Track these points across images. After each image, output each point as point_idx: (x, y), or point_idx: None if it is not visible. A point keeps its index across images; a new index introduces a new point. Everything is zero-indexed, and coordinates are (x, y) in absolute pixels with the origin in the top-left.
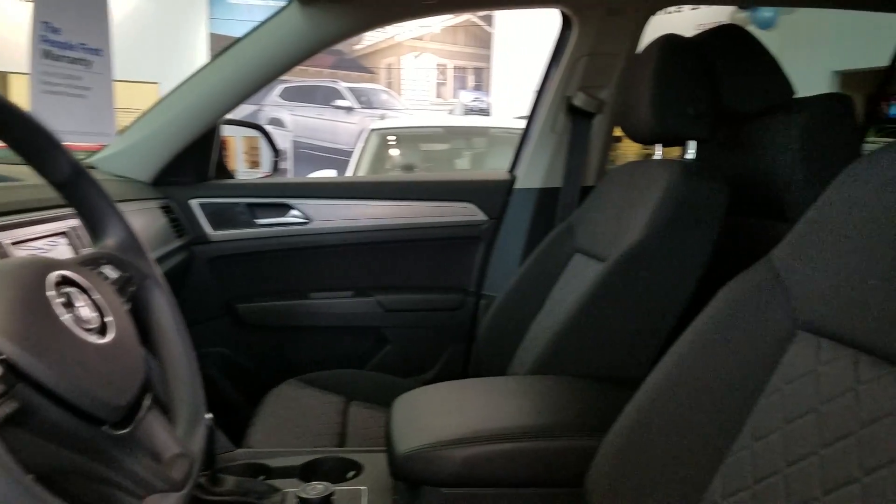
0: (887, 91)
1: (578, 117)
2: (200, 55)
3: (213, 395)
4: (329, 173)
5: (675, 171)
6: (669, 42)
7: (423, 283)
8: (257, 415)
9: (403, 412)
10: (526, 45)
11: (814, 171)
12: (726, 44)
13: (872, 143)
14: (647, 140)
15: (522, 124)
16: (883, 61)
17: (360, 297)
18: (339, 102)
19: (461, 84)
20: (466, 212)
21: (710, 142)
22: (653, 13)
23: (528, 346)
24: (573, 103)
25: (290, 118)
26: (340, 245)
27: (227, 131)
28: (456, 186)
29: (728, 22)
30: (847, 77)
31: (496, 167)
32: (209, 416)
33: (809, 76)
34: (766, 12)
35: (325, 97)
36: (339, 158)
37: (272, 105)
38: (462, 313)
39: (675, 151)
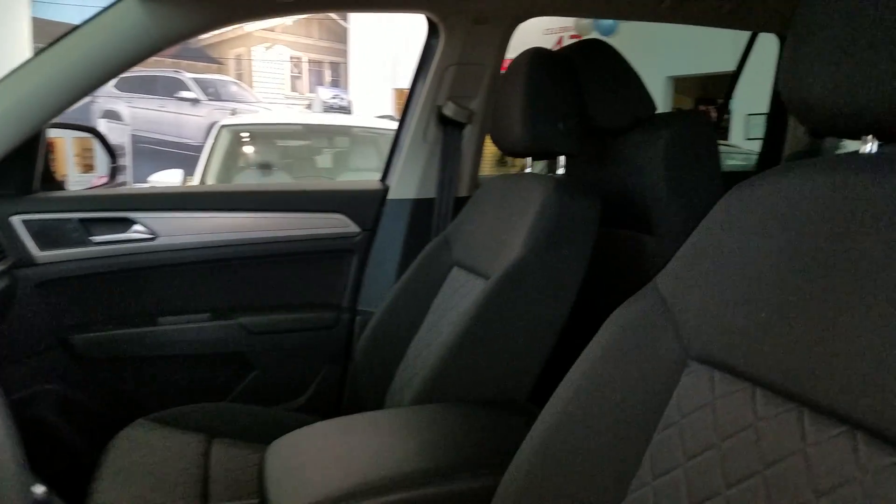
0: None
1: (449, 127)
2: (22, 44)
3: (49, 443)
4: (175, 172)
5: (549, 187)
6: (538, 56)
7: (291, 302)
8: (103, 464)
9: (280, 461)
10: (383, 42)
11: (677, 186)
12: (592, 59)
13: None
14: (518, 153)
15: (385, 124)
16: (709, 68)
17: (220, 321)
18: (184, 94)
19: (317, 79)
20: (337, 223)
21: (579, 157)
22: (519, 23)
23: (408, 366)
24: (443, 113)
25: (127, 110)
26: (194, 263)
27: (55, 132)
28: (325, 196)
29: (574, 28)
30: (679, 81)
31: (361, 167)
32: (40, 490)
33: (647, 81)
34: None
35: (167, 88)
36: (185, 154)
37: (107, 96)
38: (336, 332)
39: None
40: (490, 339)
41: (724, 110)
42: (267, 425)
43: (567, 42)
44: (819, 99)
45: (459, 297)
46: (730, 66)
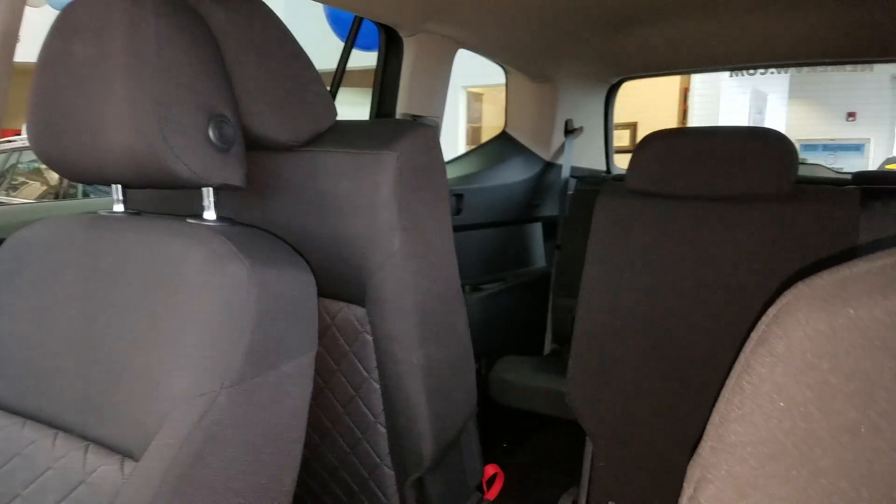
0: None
1: None
2: None
3: None
4: None
5: (219, 252)
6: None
7: None
8: None
9: None
10: None
11: (409, 229)
12: (248, 33)
13: None
14: (111, 177)
15: None
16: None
17: None
18: None
19: None
20: None
21: (240, 189)
22: None
23: None
24: None
25: None
26: None
27: None
28: None
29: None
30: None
31: None
32: None
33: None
34: None
35: None
36: None
37: None
38: None
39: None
40: None
41: None
42: None
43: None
44: None
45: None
46: None
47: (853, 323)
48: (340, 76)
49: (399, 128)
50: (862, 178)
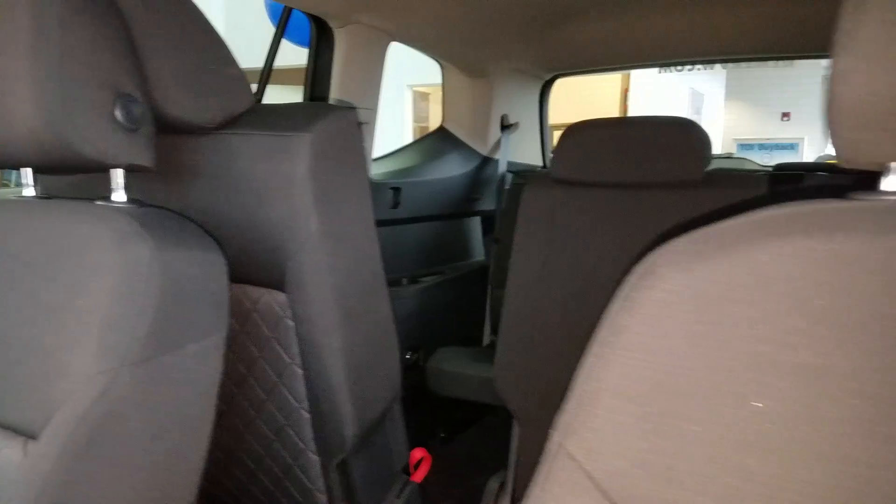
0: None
1: None
2: None
3: None
4: None
5: (126, 232)
6: None
7: None
8: None
9: None
10: None
11: (326, 214)
12: (159, 13)
13: None
14: (22, 161)
15: None
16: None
17: None
18: None
19: None
20: None
21: (150, 171)
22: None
23: None
24: None
25: None
26: None
27: None
28: None
29: None
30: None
31: None
32: None
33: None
34: None
35: None
36: None
37: None
38: None
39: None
40: None
41: None
42: None
43: None
44: None
45: None
46: None
47: (707, 277)
48: (270, 67)
49: (316, 111)
50: (780, 167)
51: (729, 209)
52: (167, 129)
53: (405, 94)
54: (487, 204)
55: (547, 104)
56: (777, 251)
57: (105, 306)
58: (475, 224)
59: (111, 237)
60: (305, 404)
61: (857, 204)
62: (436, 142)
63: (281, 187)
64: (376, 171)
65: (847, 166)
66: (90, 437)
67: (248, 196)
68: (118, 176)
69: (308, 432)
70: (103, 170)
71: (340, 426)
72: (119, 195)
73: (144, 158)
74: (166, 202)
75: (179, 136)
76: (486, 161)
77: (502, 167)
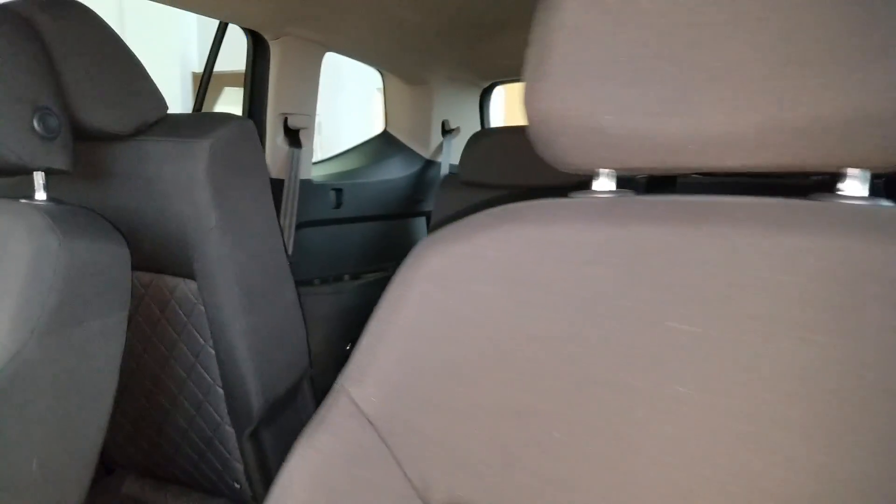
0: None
1: None
2: None
3: None
4: None
5: (38, 225)
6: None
7: None
8: None
9: None
10: None
11: (224, 208)
12: (67, 27)
13: None
14: None
15: None
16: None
17: None
18: None
19: None
20: None
21: (67, 174)
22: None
23: None
24: None
25: None
26: None
27: None
28: None
29: None
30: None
31: None
32: None
33: (164, 76)
34: None
35: None
36: None
37: None
38: None
39: None
40: None
41: None
42: None
43: None
44: None
45: None
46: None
47: (462, 258)
48: (208, 78)
49: (215, 120)
50: None
51: (485, 204)
52: (86, 137)
53: (374, 97)
54: (431, 205)
55: (488, 110)
56: (495, 236)
57: (19, 287)
58: (421, 224)
59: (26, 230)
60: (220, 381)
61: (576, 201)
62: (379, 145)
63: (185, 187)
64: (320, 172)
65: (563, 170)
66: (2, 389)
67: (158, 195)
68: (39, 178)
69: (223, 407)
70: (26, 173)
71: (248, 399)
72: (40, 195)
73: (62, 163)
74: (86, 201)
75: (98, 143)
76: (430, 164)
77: (444, 170)
